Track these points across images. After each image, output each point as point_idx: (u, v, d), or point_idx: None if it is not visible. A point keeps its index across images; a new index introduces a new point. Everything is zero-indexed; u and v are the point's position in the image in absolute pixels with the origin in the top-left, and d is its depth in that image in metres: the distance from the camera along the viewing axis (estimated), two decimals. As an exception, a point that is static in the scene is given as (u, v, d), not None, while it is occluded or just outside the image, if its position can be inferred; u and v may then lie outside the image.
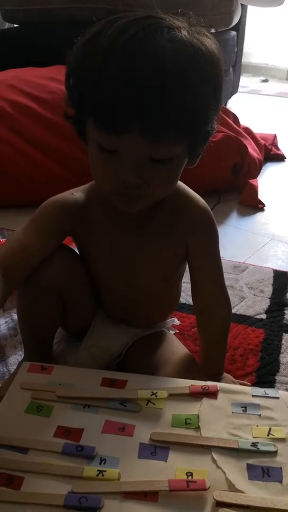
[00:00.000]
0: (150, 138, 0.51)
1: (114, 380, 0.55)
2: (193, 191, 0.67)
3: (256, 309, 0.99)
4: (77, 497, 0.42)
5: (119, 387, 0.54)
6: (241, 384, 0.77)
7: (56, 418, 0.50)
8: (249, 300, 1.02)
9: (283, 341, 0.90)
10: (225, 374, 0.78)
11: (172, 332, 0.85)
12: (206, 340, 0.75)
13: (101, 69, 0.50)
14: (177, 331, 0.87)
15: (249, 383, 0.78)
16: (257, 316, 0.97)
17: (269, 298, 1.03)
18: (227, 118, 1.61)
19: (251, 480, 0.44)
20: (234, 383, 0.76)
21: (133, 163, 0.52)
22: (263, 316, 0.97)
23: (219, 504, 0.42)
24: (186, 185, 0.67)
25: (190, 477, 0.44)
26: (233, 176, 1.55)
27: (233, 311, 0.98)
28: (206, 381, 0.67)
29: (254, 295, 1.04)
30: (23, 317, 0.70)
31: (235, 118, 1.74)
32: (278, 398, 0.53)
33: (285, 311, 0.98)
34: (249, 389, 0.55)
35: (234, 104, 2.59)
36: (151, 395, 0.52)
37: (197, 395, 0.53)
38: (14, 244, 0.66)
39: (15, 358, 0.84)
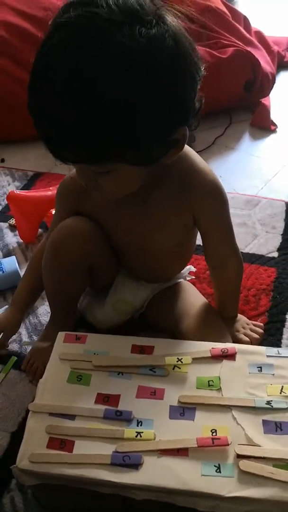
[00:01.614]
0: (70, 160, 0.53)
1: (143, 347, 0.61)
2: (202, 163, 0.66)
3: (268, 247, 1.03)
4: (121, 456, 0.50)
5: (147, 353, 0.60)
6: (255, 325, 0.84)
7: (95, 386, 0.57)
8: (261, 238, 1.05)
9: (294, 279, 0.95)
10: (239, 316, 0.84)
11: (188, 278, 0.90)
12: (220, 291, 0.81)
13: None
14: (193, 277, 0.92)
15: (261, 324, 0.85)
16: (269, 255, 1.01)
17: (281, 234, 1.06)
18: (237, 26, 1.48)
19: (266, 434, 0.52)
20: (248, 324, 0.83)
21: (78, 169, 0.57)
22: (275, 254, 1.01)
23: (240, 456, 0.50)
24: None
25: (214, 434, 0.52)
26: (246, 94, 1.47)
27: (246, 250, 1.02)
28: (225, 329, 0.74)
29: (266, 232, 1.07)
30: (51, 285, 0.75)
31: (245, 22, 1.59)
32: (290, 357, 0.59)
33: (297, 248, 1.02)
34: (263, 349, 0.61)
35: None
36: (177, 361, 0.59)
37: (217, 357, 0.60)
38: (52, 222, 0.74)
39: (44, 308, 0.91)
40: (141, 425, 0.53)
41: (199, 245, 1.00)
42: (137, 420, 0.54)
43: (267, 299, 0.91)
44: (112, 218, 0.69)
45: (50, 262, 0.72)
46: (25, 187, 1.25)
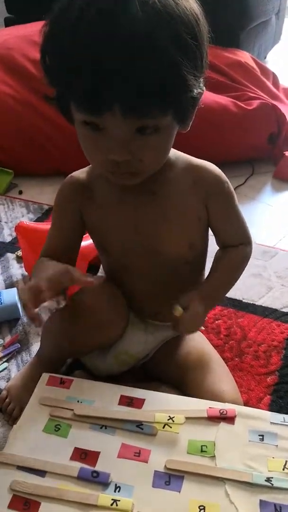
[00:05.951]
0: (132, 114, 0.49)
1: (132, 399, 0.55)
2: (199, 160, 0.65)
3: (283, 301, 0.96)
4: (91, 527, 0.43)
5: (136, 406, 0.54)
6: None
7: (73, 439, 0.51)
8: (276, 291, 0.99)
9: (309, 338, 0.88)
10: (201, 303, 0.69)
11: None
12: (216, 264, 0.71)
13: (72, 50, 0.47)
14: (202, 327, 0.86)
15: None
16: (284, 309, 0.94)
17: (298, 289, 0.99)
18: (265, 81, 1.49)
19: (263, 519, 0.44)
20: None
21: (120, 140, 0.51)
22: (290, 309, 0.94)
23: None
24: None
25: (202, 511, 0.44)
26: (269, 146, 1.46)
27: (259, 302, 0.96)
28: (235, 386, 0.66)
29: (282, 285, 1.01)
30: (53, 342, 0.71)
31: (274, 78, 1.61)
32: (297, 427, 0.52)
33: (313, 304, 0.95)
34: (268, 414, 0.54)
35: (274, 56, 2.40)
36: (168, 419, 0.52)
37: (214, 419, 0.53)
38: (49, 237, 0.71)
39: (38, 345, 0.86)
40: (119, 491, 0.46)
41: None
42: (115, 484, 0.47)
43: (278, 357, 0.84)
44: (118, 216, 0.65)
45: (71, 327, 0.68)
46: (39, 220, 1.23)
